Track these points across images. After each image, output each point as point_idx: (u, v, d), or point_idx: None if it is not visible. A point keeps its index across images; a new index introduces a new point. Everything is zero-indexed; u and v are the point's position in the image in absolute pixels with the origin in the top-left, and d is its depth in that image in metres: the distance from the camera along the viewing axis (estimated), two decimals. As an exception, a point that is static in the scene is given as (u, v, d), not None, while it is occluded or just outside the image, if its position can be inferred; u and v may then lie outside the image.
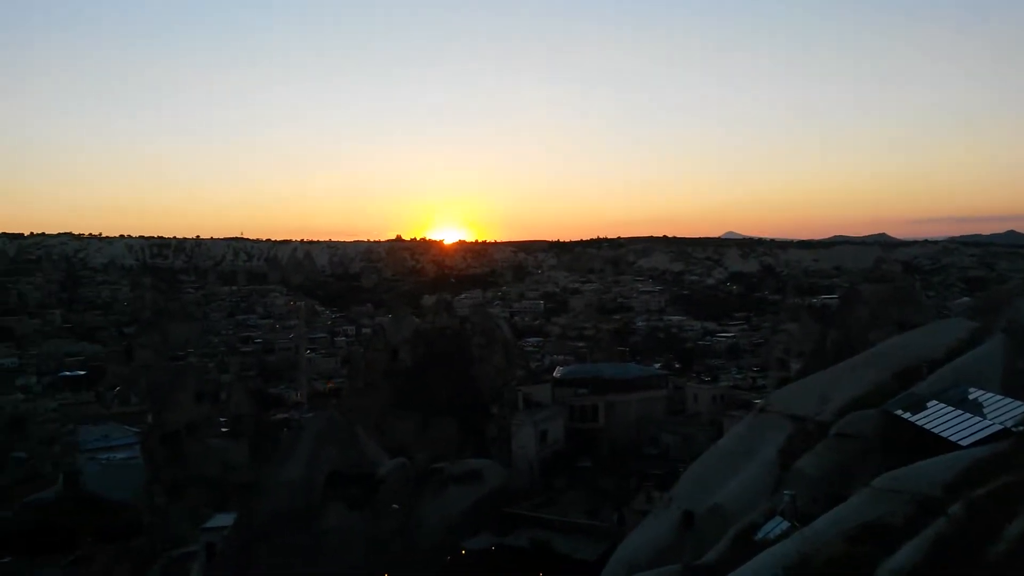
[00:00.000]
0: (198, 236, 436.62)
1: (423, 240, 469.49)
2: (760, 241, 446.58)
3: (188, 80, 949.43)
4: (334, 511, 53.28)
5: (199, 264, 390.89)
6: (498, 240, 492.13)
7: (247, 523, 53.52)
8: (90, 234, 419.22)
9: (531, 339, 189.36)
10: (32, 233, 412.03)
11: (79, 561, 57.29)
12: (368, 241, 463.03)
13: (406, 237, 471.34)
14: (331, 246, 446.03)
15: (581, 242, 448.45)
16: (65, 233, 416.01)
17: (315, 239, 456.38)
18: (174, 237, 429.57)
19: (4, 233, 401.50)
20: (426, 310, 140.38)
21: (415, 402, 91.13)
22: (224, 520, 57.48)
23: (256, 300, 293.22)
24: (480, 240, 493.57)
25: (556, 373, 79.25)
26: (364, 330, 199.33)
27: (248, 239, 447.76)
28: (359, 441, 61.07)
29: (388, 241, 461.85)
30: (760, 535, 32.03)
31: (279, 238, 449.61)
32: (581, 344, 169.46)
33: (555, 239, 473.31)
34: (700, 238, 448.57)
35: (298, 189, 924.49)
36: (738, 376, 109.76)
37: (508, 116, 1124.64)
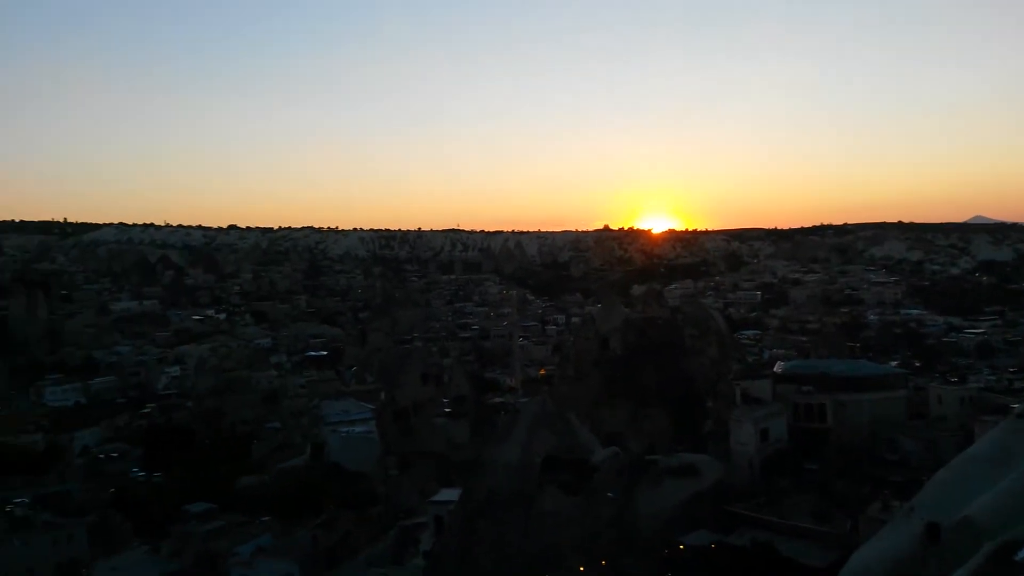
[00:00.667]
0: (419, 228, 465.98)
1: (631, 229, 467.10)
2: (1014, 226, 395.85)
3: (405, 82, 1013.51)
4: (550, 495, 54.65)
5: (421, 254, 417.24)
6: (709, 229, 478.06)
7: (470, 500, 56.44)
8: (329, 228, 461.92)
9: (747, 332, 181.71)
10: (280, 227, 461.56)
11: (325, 524, 63.42)
12: (576, 231, 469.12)
13: (613, 227, 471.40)
14: (540, 236, 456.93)
15: (802, 229, 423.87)
16: (308, 227, 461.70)
17: (525, 229, 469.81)
18: (399, 229, 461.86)
19: (258, 228, 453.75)
20: (636, 300, 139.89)
21: (626, 392, 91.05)
22: (449, 495, 61.00)
23: (472, 288, 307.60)
24: (690, 229, 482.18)
25: (777, 368, 75.44)
26: (574, 319, 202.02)
27: (464, 230, 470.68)
28: (572, 428, 62.18)
29: (596, 231, 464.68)
30: (1022, 555, 28.64)
31: (492, 229, 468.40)
32: (804, 338, 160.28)
33: (772, 226, 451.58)
34: (942, 223, 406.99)
35: (509, 181, 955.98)
36: (991, 377, 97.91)
37: (718, 98, 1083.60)
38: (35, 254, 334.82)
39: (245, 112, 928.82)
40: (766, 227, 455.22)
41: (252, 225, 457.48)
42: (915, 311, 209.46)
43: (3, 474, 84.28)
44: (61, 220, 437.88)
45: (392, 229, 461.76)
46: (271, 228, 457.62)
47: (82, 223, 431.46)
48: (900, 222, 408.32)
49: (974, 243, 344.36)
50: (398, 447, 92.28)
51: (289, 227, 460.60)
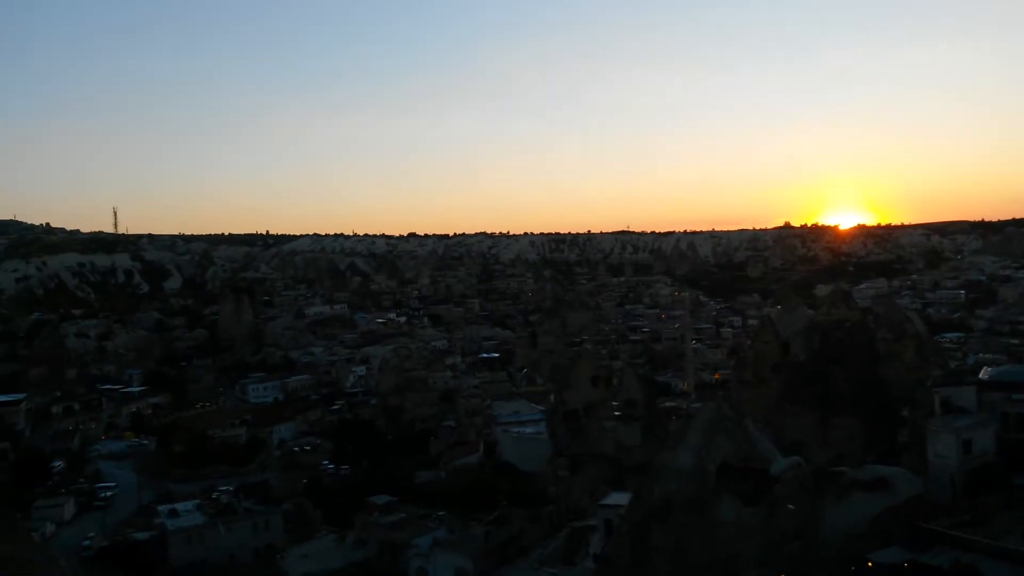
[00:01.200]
0: (589, 231, 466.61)
1: (814, 226, 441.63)
2: None
3: (575, 85, 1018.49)
4: (728, 503, 52.50)
5: (590, 257, 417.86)
6: (905, 223, 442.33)
7: (642, 504, 55.41)
8: (500, 233, 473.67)
9: (950, 334, 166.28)
10: (455, 234, 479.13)
11: (497, 521, 64.81)
12: (753, 229, 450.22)
13: (795, 223, 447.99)
14: (714, 236, 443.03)
15: (1013, 221, 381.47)
16: (481, 233, 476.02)
17: (698, 229, 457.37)
18: (568, 233, 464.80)
19: (435, 235, 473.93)
20: (820, 301, 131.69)
21: (810, 398, 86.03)
22: (619, 499, 60.26)
23: (642, 290, 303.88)
24: (883, 223, 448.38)
25: (983, 374, 68.04)
26: (751, 321, 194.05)
27: (634, 232, 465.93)
28: (750, 435, 59.31)
29: (775, 229, 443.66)
30: None
31: (663, 230, 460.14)
32: (1015, 341, 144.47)
33: (979, 218, 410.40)
34: None
35: (680, 179, 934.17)
36: None
37: (909, 81, 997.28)
38: (241, 263, 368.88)
39: (422, 123, 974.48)
40: (971, 219, 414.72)
41: (430, 232, 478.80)
42: None
43: (212, 464, 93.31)
44: (264, 232, 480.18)
45: (562, 232, 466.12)
46: (447, 235, 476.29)
47: (282, 234, 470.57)
48: None
49: None
50: (568, 449, 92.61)
51: (463, 233, 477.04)
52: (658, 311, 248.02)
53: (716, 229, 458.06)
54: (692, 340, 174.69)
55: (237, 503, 71.44)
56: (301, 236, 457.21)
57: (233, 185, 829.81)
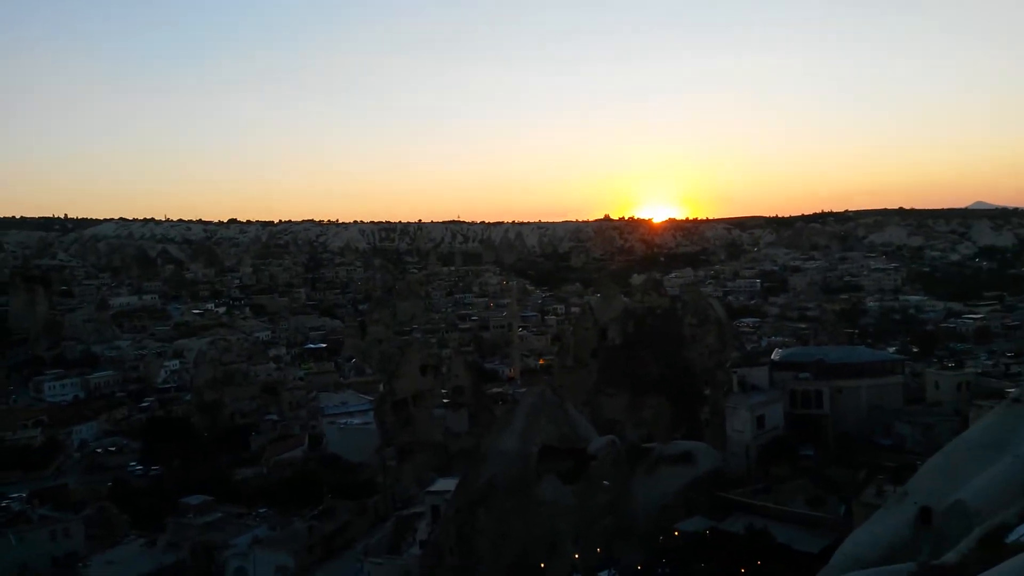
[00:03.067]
0: (420, 220, 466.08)
1: (631, 219, 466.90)
2: (1015, 211, 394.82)
3: (406, 76, 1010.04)
4: (548, 483, 54.65)
5: (421, 246, 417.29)
6: (710, 217, 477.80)
7: (468, 489, 56.44)
8: (329, 220, 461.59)
9: (747, 320, 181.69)
10: (280, 221, 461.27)
11: (322, 515, 63.55)
12: (576, 221, 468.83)
13: (614, 216, 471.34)
14: (540, 227, 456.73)
15: (802, 217, 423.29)
16: (308, 220, 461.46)
17: (526, 220, 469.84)
18: (399, 222, 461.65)
19: (259, 221, 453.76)
20: (635, 289, 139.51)
21: (624, 381, 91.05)
22: (446, 484, 61.04)
23: (472, 280, 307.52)
24: (691, 218, 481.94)
25: (775, 355, 75.26)
26: (573, 309, 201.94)
27: (464, 222, 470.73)
28: (570, 417, 62.08)
29: (596, 221, 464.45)
30: (1012, 538, 28.61)
31: (492, 220, 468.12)
32: (803, 325, 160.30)
33: (773, 214, 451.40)
34: (943, 209, 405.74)
35: (509, 172, 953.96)
36: (988, 362, 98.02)
37: (719, 88, 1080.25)
38: (35, 250, 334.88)
39: (245, 107, 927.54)
40: (767, 215, 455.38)
41: (252, 219, 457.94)
42: (914, 297, 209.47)
43: (1, 470, 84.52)
44: (61, 216, 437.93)
45: (392, 221, 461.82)
46: (271, 222, 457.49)
47: (82, 218, 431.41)
48: (901, 208, 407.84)
49: (975, 229, 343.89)
50: (397, 438, 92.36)
51: (289, 220, 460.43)
52: (487, 300, 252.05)
53: (542, 220, 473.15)
54: (519, 328, 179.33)
55: (31, 510, 65.44)
56: (105, 220, 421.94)
57: (23, 165, 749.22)
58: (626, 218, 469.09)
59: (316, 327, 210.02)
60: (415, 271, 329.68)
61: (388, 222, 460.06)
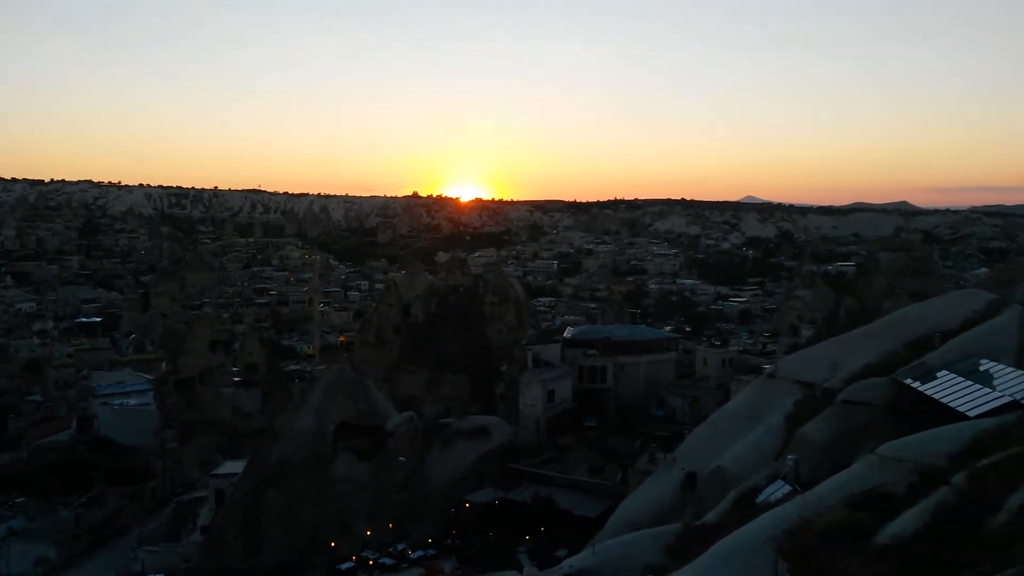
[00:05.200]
0: (216, 187, 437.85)
1: (440, 197, 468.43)
2: (779, 206, 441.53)
3: (206, 26, 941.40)
4: (343, 460, 53.99)
5: (216, 215, 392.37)
6: (515, 199, 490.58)
7: (258, 469, 54.37)
8: (110, 182, 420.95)
9: (543, 299, 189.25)
10: (52, 180, 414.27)
11: (91, 502, 58.45)
12: (385, 197, 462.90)
13: (423, 194, 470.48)
14: (347, 201, 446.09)
15: (598, 203, 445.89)
16: (85, 181, 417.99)
17: (332, 193, 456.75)
18: (192, 188, 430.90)
19: (25, 179, 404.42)
20: (440, 267, 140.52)
21: (425, 357, 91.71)
22: (234, 467, 58.41)
23: (272, 252, 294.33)
24: (497, 199, 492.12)
25: (567, 333, 79.24)
26: (377, 285, 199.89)
27: (265, 191, 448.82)
28: (369, 394, 61.65)
29: (405, 197, 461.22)
30: (761, 498, 32.11)
31: (296, 191, 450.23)
32: (593, 305, 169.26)
33: (572, 199, 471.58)
34: (718, 202, 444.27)
35: (316, 142, 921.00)
36: (749, 341, 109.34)
37: (530, 76, 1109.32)
38: None
39: (9, 45, 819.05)
40: (566, 199, 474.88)
41: (19, 176, 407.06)
42: (690, 281, 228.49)
43: None
44: None
45: (185, 187, 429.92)
46: (41, 180, 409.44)
47: None
48: (683, 199, 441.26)
49: (744, 220, 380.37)
50: (180, 419, 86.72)
51: (63, 180, 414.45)
52: (287, 274, 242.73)
53: (350, 194, 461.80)
54: (320, 303, 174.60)
55: None
56: None
57: None
58: (434, 196, 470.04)
59: (90, 299, 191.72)
60: (208, 241, 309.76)
61: (180, 187, 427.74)
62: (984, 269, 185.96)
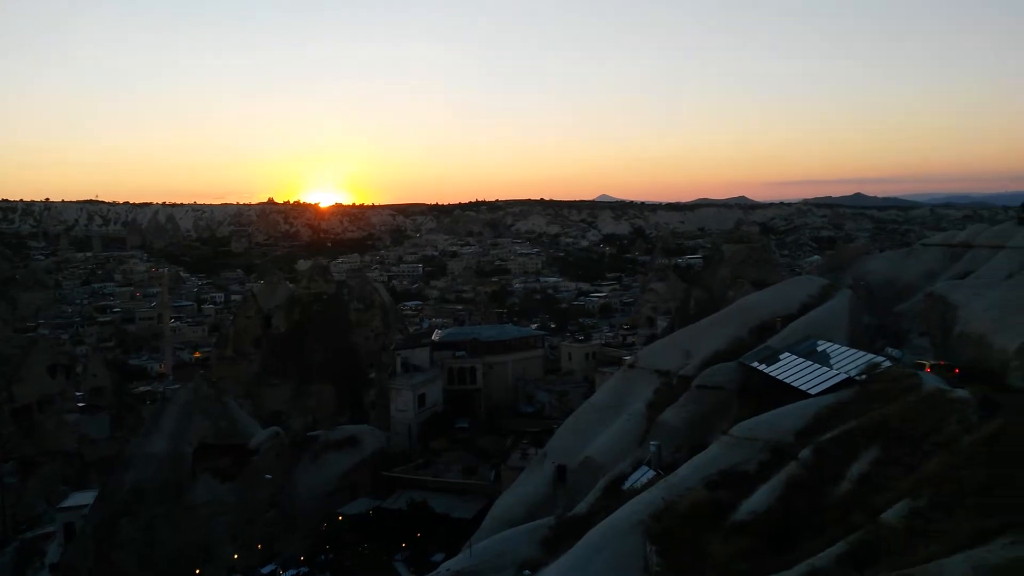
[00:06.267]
0: (47, 199, 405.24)
1: (297, 203, 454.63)
2: (631, 204, 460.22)
3: (35, 26, 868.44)
4: (203, 483, 51.42)
5: (49, 229, 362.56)
6: (376, 203, 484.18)
7: (110, 499, 50.84)
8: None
9: (410, 303, 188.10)
10: None
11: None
12: (238, 204, 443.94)
13: (279, 200, 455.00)
14: (196, 209, 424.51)
15: (460, 205, 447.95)
16: None
17: (179, 202, 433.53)
18: (20, 200, 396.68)
19: None
20: (301, 275, 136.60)
21: (289, 369, 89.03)
22: (83, 498, 54.34)
23: (114, 267, 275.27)
24: (357, 203, 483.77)
25: (435, 336, 79.15)
26: (234, 297, 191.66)
27: (104, 202, 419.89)
28: (229, 411, 58.97)
29: (260, 204, 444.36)
30: (628, 484, 33.47)
31: (138, 200, 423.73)
32: (460, 307, 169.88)
33: (434, 202, 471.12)
34: (575, 201, 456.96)
35: (160, 148, 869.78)
36: (609, 334, 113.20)
37: (388, 78, 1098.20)
38: None
39: None
40: (429, 202, 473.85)
41: None
42: (552, 279, 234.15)
43: None
44: None
45: (12, 200, 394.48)
46: None
47: None
48: (542, 199, 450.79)
49: (600, 218, 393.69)
50: (17, 450, 79.65)
51: None
52: (132, 289, 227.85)
53: (199, 202, 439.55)
54: (170, 319, 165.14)
55: None
56: None
57: None
58: (292, 202, 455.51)
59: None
60: (42, 257, 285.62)
61: (7, 200, 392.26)
62: (816, 257, 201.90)
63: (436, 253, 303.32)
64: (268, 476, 51.92)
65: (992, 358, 25.14)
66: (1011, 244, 45.69)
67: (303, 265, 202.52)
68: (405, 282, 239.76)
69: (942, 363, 28.99)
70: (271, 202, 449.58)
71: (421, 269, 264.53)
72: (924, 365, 28.37)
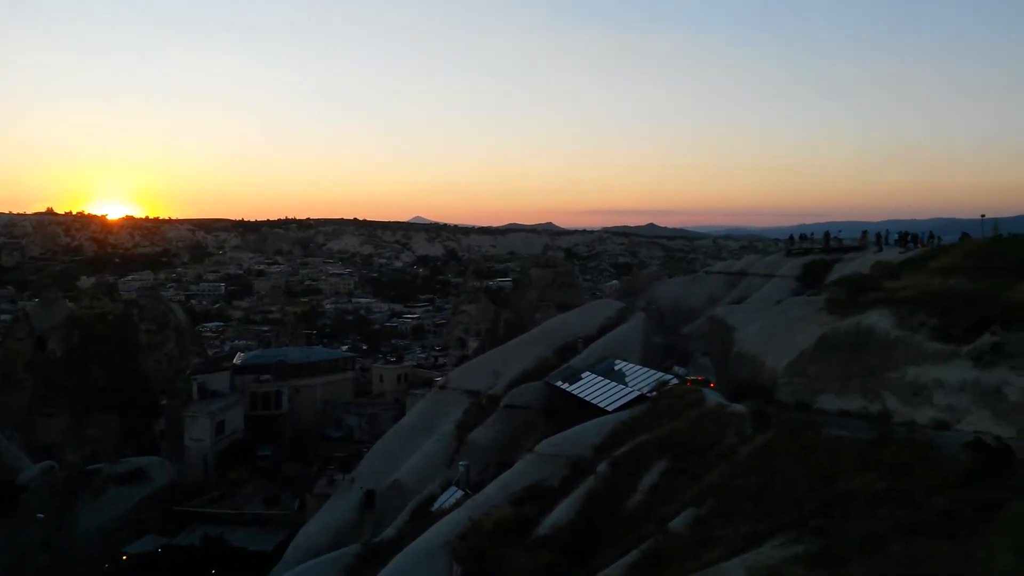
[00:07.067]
0: None
1: (81, 214, 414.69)
2: (445, 226, 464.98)
3: None
4: (-43, 530, 45.12)
5: None
6: (173, 217, 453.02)
7: None
8: None
9: (210, 324, 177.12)
10: None
11: None
12: (10, 213, 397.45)
13: (59, 210, 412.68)
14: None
15: (268, 222, 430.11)
16: None
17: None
18: None
19: None
20: (83, 293, 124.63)
21: (67, 398, 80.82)
22: None
23: None
24: (152, 216, 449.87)
25: (237, 359, 75.12)
26: (3, 317, 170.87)
27: None
28: (-7, 445, 52.49)
29: (36, 214, 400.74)
30: (436, 506, 33.50)
31: None
32: (266, 328, 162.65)
33: (239, 218, 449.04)
34: (389, 222, 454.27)
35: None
36: (422, 356, 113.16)
37: (190, 86, 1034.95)
38: None
39: None
40: (233, 218, 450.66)
41: None
42: (365, 300, 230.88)
43: None
44: None
45: None
46: None
47: None
48: (356, 219, 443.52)
49: (414, 240, 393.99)
50: None
51: None
52: None
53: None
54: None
55: None
56: None
57: None
58: (74, 213, 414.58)
59: None
60: None
61: None
62: (615, 281, 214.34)
63: (241, 271, 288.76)
64: (40, 516, 46.55)
65: (764, 376, 27.87)
66: (779, 273, 51.06)
67: (86, 282, 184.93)
68: (205, 302, 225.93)
69: (700, 379, 32.32)
70: (50, 212, 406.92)
71: (223, 288, 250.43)
72: (687, 380, 31.87)
